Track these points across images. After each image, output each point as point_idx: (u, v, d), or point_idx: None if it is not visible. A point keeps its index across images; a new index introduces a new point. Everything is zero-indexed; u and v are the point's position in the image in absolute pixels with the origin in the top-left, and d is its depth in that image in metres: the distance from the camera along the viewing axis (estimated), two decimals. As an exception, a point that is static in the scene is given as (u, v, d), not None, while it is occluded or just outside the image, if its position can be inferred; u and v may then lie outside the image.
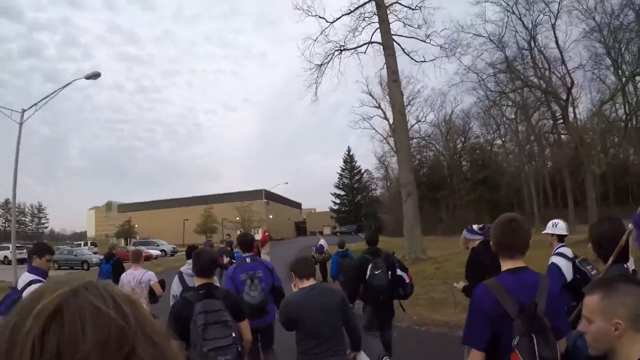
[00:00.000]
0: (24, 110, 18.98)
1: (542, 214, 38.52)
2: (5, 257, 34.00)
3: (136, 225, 77.65)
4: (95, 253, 35.42)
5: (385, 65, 24.64)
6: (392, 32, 24.69)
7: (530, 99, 37.36)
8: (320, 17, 25.99)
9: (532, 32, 24.86)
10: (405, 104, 28.18)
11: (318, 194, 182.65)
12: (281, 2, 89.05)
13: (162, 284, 6.84)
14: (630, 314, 1.58)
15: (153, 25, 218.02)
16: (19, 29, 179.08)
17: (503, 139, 57.56)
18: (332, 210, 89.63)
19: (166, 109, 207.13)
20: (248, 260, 5.38)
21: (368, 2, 25.18)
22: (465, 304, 4.75)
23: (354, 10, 25.49)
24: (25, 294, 2.61)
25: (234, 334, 3.34)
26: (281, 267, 10.07)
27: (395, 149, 51.10)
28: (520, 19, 24.71)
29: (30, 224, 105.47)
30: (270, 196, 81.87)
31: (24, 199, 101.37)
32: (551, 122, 37.18)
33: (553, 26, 23.64)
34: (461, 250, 5.88)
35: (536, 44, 25.35)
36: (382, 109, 49.62)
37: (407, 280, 5.83)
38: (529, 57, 26.22)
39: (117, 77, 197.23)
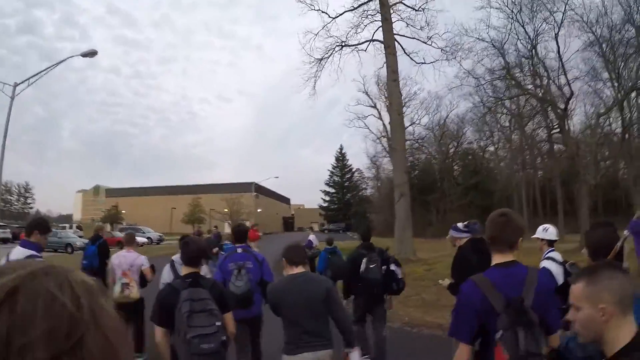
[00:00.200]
0: (16, 84, 18.75)
1: (531, 223, 38.56)
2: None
3: (123, 211, 76.79)
4: (80, 237, 34.91)
5: (385, 64, 24.46)
6: (394, 32, 24.55)
7: (526, 107, 37.49)
8: (322, 12, 25.79)
9: (534, 41, 24.88)
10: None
11: (307, 191, 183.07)
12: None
13: (153, 269, 6.78)
14: (615, 298, 1.62)
15: (152, 9, 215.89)
16: (17, 4, 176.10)
17: (496, 146, 57.90)
18: (321, 207, 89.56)
19: (161, 95, 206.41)
20: (239, 250, 5.37)
21: (372, -1, 24.99)
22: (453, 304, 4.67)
23: (358, 7, 25.33)
24: None
25: (218, 323, 3.35)
26: (269, 260, 9.89)
27: (387, 150, 51.58)
28: (523, 26, 24.67)
29: (16, 204, 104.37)
30: (260, 190, 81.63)
31: (12, 178, 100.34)
32: (545, 131, 37.36)
33: (556, 35, 23.62)
34: (451, 252, 5.87)
35: (536, 52, 25.37)
36: (377, 109, 49.68)
37: (400, 276, 6.03)
38: (530, 65, 26.25)
39: (114, 60, 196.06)
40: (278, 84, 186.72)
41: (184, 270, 3.79)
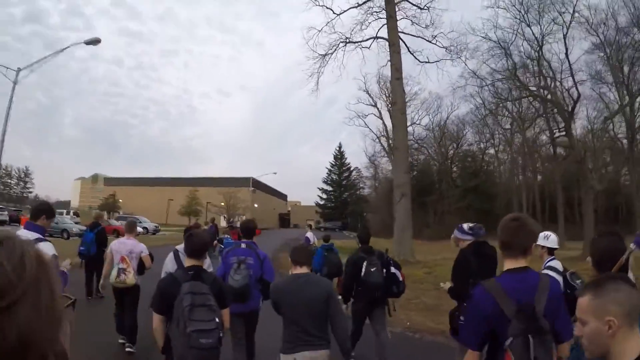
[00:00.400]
0: (19, 70, 19.02)
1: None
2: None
3: (120, 200, 76.68)
4: (77, 223, 34.71)
5: (389, 62, 24.34)
6: (399, 30, 24.38)
7: (530, 110, 37.34)
8: (327, 8, 25.63)
9: (541, 42, 24.65)
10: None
11: (304, 188, 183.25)
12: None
13: (151, 257, 6.84)
14: (621, 311, 1.58)
15: (156, 2, 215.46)
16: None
17: (496, 149, 57.83)
18: (317, 205, 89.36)
19: (162, 88, 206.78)
20: (243, 245, 5.45)
21: (377, -4, 24.81)
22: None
23: (363, 3, 25.18)
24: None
25: (217, 319, 3.39)
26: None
27: (387, 150, 51.41)
28: (529, 27, 24.47)
29: (16, 187, 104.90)
30: (257, 185, 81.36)
31: (12, 162, 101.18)
32: (547, 135, 37.19)
33: (564, 36, 23.37)
34: (452, 256, 5.75)
35: (542, 54, 25.14)
36: (377, 108, 49.58)
37: (400, 278, 5.99)
38: (535, 66, 25.97)
39: (117, 51, 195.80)
40: (278, 80, 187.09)
41: (187, 262, 3.87)
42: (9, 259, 0.66)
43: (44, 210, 4.38)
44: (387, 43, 24.45)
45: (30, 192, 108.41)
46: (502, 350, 2.23)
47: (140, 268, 6.65)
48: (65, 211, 51.89)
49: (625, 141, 31.90)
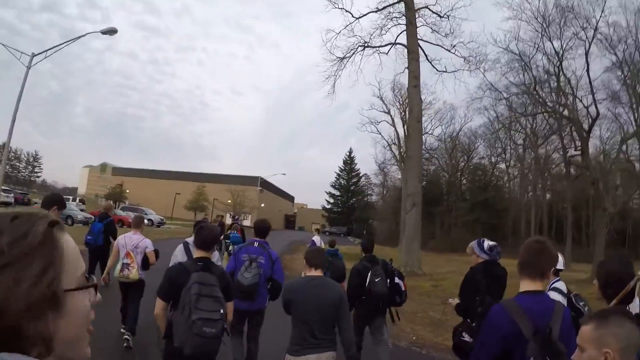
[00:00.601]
0: (33, 55, 19.05)
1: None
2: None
3: (127, 190, 76.80)
4: (82, 210, 34.69)
5: (406, 69, 24.12)
6: (418, 37, 24.13)
7: (544, 127, 36.86)
8: (346, 11, 25.50)
9: (561, 57, 24.21)
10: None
11: (311, 190, 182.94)
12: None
13: (157, 253, 6.80)
14: (619, 345, 1.63)
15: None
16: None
17: (507, 164, 57.42)
18: (324, 208, 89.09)
19: (175, 83, 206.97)
20: (256, 244, 5.53)
21: (398, 2, 24.64)
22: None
23: (383, 8, 25.03)
24: None
25: (222, 311, 3.48)
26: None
27: (397, 158, 51.11)
28: (550, 41, 24.09)
29: (24, 171, 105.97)
30: (265, 185, 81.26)
31: (22, 146, 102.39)
32: (560, 153, 36.62)
33: (586, 53, 22.86)
34: (457, 270, 5.54)
35: (562, 69, 24.70)
36: (391, 115, 49.14)
37: (403, 288, 6.07)
38: (554, 82, 25.53)
39: (132, 45, 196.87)
40: (291, 81, 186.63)
41: (196, 254, 3.98)
42: (12, 232, 0.70)
43: (56, 201, 4.45)
44: (405, 50, 24.25)
45: (38, 177, 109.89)
46: None
47: (145, 263, 6.63)
48: (71, 198, 52.05)
49: (637, 164, 31.36)
